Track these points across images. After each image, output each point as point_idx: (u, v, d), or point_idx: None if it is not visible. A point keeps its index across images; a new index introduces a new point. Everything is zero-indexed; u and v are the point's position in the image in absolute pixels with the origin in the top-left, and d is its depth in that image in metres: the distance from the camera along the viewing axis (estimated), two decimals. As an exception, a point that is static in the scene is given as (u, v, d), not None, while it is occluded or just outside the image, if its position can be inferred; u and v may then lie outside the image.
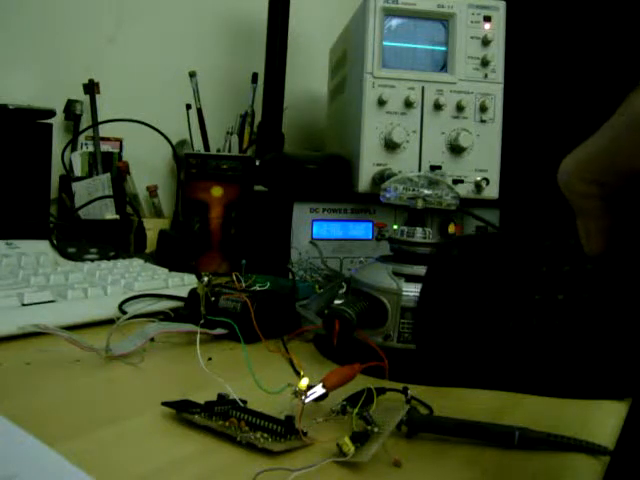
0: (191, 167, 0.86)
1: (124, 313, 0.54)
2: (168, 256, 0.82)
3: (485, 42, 0.77)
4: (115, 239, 0.87)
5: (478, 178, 0.78)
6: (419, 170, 0.76)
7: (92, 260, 0.73)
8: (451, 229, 0.80)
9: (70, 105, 0.97)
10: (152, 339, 0.47)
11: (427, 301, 0.32)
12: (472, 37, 0.77)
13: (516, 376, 0.43)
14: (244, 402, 0.36)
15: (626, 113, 0.25)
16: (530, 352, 0.29)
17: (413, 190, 0.53)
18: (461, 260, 0.31)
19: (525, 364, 0.30)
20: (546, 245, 0.29)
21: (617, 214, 0.28)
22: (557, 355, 0.28)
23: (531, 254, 0.29)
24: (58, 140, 0.93)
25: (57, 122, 0.94)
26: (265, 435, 0.33)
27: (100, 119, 0.96)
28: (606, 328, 0.28)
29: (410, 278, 0.48)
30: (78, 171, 0.95)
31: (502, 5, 0.78)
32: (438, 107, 0.76)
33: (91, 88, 0.97)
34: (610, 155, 0.26)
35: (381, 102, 0.75)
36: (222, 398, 0.36)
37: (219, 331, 0.50)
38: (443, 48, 0.77)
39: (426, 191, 0.53)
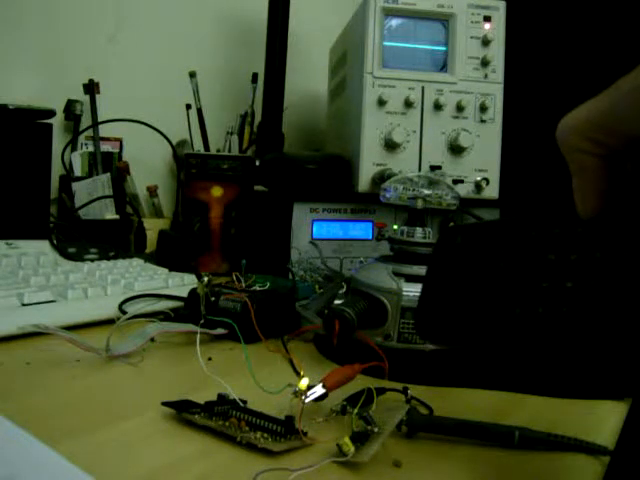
0: (191, 167, 0.86)
1: (124, 313, 0.54)
2: (168, 256, 0.82)
3: (485, 42, 0.77)
4: (115, 239, 0.87)
5: (478, 178, 0.78)
6: (419, 170, 0.76)
7: (92, 260, 0.73)
8: (451, 229, 0.79)
9: (70, 105, 0.97)
10: (152, 339, 0.47)
11: (430, 289, 0.32)
12: (472, 37, 0.77)
13: (516, 376, 0.44)
14: (244, 402, 0.36)
15: (632, 78, 0.25)
16: (536, 340, 0.28)
17: (413, 190, 0.53)
18: (465, 248, 0.30)
19: (529, 357, 0.30)
20: (554, 232, 0.29)
21: (615, 178, 0.27)
22: (563, 344, 0.28)
23: (538, 242, 0.29)
24: (58, 140, 0.93)
25: (57, 122, 0.94)
26: (265, 435, 0.33)
27: (100, 119, 0.96)
28: (607, 324, 0.28)
29: (410, 278, 0.48)
30: (78, 171, 0.95)
31: (502, 5, 0.78)
32: (438, 107, 0.76)
33: (91, 88, 0.97)
34: (611, 117, 0.26)
35: (381, 102, 0.75)
36: (222, 398, 0.36)
37: (219, 331, 0.50)
38: (443, 48, 0.77)
39: (426, 191, 0.53)
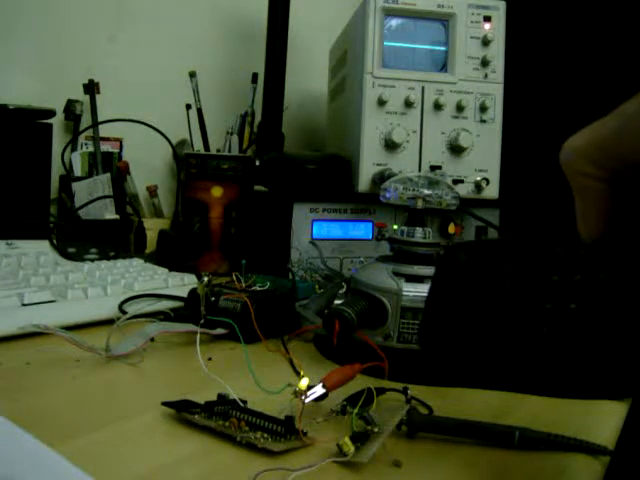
0: (191, 167, 0.86)
1: (124, 313, 0.54)
2: (168, 256, 0.82)
3: (485, 42, 0.77)
4: (115, 239, 0.87)
5: (478, 178, 0.78)
6: (419, 170, 0.76)
7: (92, 260, 0.73)
8: (451, 229, 0.80)
9: (70, 105, 0.97)
10: (152, 339, 0.47)
11: (433, 307, 0.32)
12: (472, 37, 0.77)
13: (516, 376, 0.44)
14: (244, 402, 0.36)
15: (637, 102, 0.25)
16: (540, 361, 0.28)
17: (413, 190, 0.53)
18: (469, 266, 0.30)
19: (528, 366, 0.30)
20: (557, 253, 0.29)
21: (619, 201, 0.27)
22: (568, 363, 0.28)
23: (542, 262, 0.29)
24: (58, 140, 0.93)
25: (57, 122, 0.94)
26: (265, 435, 0.33)
27: (100, 119, 0.96)
28: (609, 330, 0.27)
29: (410, 278, 0.48)
30: (78, 171, 0.95)
31: (502, 5, 0.78)
32: (438, 107, 0.76)
33: (91, 88, 0.97)
34: (616, 141, 0.25)
35: (381, 102, 0.75)
36: (222, 398, 0.36)
37: (219, 331, 0.50)
38: (443, 48, 0.77)
39: (426, 191, 0.53)
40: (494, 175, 0.79)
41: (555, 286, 0.28)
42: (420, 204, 0.52)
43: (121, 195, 0.96)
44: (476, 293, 0.30)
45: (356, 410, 0.34)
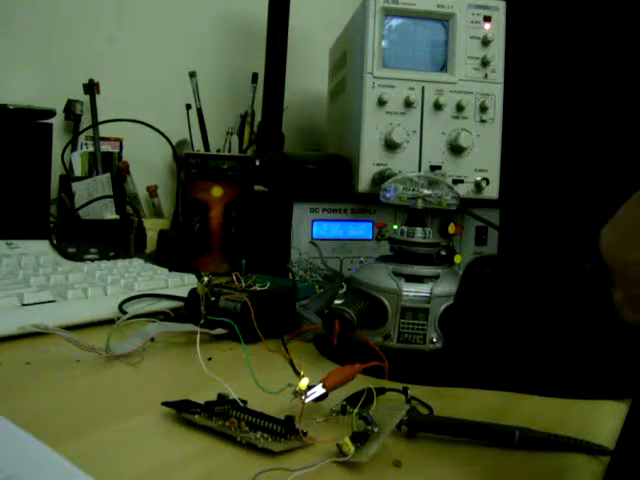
0: (191, 167, 0.86)
1: (124, 313, 0.54)
2: (168, 256, 0.82)
3: (485, 42, 0.77)
4: (115, 239, 0.87)
5: (478, 178, 0.78)
6: (419, 170, 0.76)
7: (92, 260, 0.73)
8: (451, 229, 0.80)
9: (70, 105, 0.97)
10: (152, 339, 0.48)
11: (459, 320, 0.32)
12: (472, 37, 0.77)
13: (517, 376, 0.44)
14: (244, 402, 0.36)
15: None
16: (571, 374, 0.28)
17: (413, 190, 0.53)
18: (494, 280, 0.30)
19: (547, 374, 0.30)
20: (585, 268, 0.28)
21: None
22: (580, 369, 0.28)
23: (569, 277, 0.28)
24: (58, 140, 0.93)
25: (57, 122, 0.94)
26: (265, 435, 0.33)
27: (100, 119, 0.96)
28: (629, 338, 0.27)
29: (410, 278, 0.48)
30: (78, 171, 0.95)
31: (502, 5, 0.78)
32: (438, 107, 0.76)
33: (91, 88, 0.97)
34: None
35: (381, 102, 0.75)
36: (222, 398, 0.36)
37: (219, 331, 0.50)
38: (443, 48, 0.77)
39: (426, 191, 0.53)
40: (494, 175, 0.79)
41: (583, 300, 0.28)
42: (420, 204, 0.52)
43: (121, 195, 0.96)
44: (502, 306, 0.30)
45: (356, 410, 0.34)
